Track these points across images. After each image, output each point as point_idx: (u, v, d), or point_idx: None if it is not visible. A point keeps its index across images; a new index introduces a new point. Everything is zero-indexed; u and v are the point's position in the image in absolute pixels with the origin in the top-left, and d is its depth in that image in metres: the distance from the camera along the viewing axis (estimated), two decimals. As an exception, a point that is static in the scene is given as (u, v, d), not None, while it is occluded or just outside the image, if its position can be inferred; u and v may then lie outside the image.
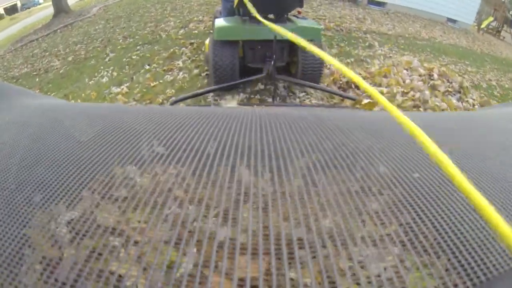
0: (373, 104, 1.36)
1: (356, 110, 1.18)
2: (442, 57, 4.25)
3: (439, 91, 1.96)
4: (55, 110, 0.55)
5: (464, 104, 1.89)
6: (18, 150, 0.39)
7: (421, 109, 1.82)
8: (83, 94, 3.19)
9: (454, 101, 1.91)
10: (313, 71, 2.53)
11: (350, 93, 2.43)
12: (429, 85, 2.00)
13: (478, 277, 0.23)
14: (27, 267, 0.24)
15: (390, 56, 3.69)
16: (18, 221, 0.28)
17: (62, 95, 3.30)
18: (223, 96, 3.04)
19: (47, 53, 5.45)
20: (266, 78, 2.89)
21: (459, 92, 1.98)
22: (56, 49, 5.58)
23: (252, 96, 3.05)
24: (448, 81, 2.05)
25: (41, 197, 0.31)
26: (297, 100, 2.88)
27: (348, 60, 3.74)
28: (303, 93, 2.92)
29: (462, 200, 0.30)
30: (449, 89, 2.04)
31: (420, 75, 2.06)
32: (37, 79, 4.05)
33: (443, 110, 1.81)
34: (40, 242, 0.26)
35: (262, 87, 3.13)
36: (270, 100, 2.90)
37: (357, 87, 2.37)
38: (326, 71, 2.99)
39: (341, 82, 2.53)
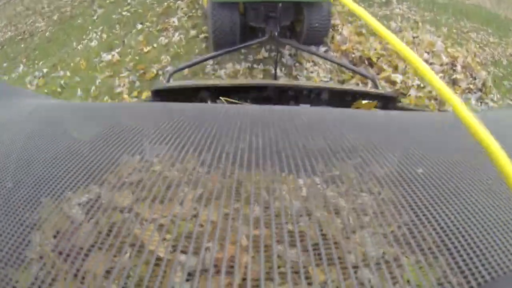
0: (371, 104, 1.24)
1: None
2: (464, 21, 3.81)
3: (459, 86, 1.74)
4: (54, 110, 0.55)
5: (482, 106, 1.69)
6: (28, 149, 0.39)
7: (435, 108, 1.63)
8: (72, 63, 2.97)
9: (473, 101, 1.69)
10: (319, 29, 2.31)
11: (362, 69, 2.21)
12: (451, 78, 1.77)
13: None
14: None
15: (409, 17, 3.29)
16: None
17: (51, 65, 3.08)
18: (223, 65, 2.82)
19: (30, 12, 5.03)
20: (270, 43, 2.64)
21: (480, 91, 1.74)
22: (40, 5, 5.13)
23: (255, 65, 2.83)
24: (471, 75, 1.78)
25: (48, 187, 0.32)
26: (304, 72, 2.66)
27: (362, 22, 3.37)
28: (311, 64, 2.68)
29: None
30: (471, 86, 1.79)
31: (441, 64, 1.80)
32: (22, 45, 3.77)
33: None
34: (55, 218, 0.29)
35: (266, 55, 2.88)
36: (272, 71, 2.71)
37: (370, 63, 2.13)
38: (337, 37, 2.70)
39: (353, 55, 2.28)
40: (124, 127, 0.45)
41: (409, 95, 1.67)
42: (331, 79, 2.50)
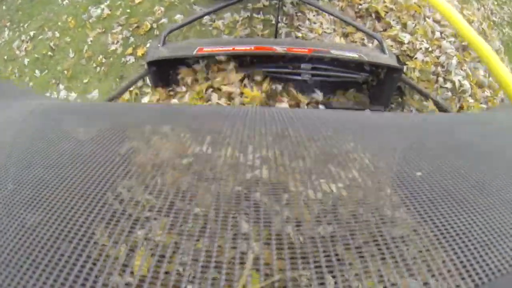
0: None
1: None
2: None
3: (470, 54, 1.62)
4: (54, 110, 0.55)
5: (490, 79, 1.59)
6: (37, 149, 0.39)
7: (439, 79, 1.54)
8: (59, 22, 2.73)
9: (481, 73, 1.59)
10: None
11: (368, 25, 2.06)
12: (461, 44, 1.63)
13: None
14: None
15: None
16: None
17: (37, 26, 2.83)
18: (221, 15, 2.63)
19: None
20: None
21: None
22: None
23: (254, 15, 2.64)
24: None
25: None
26: (307, 22, 2.49)
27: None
28: (313, 13, 2.50)
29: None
30: None
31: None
32: (4, 7, 3.41)
33: (461, 88, 1.53)
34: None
35: (266, 3, 2.67)
36: (273, 21, 2.56)
37: (378, 17, 1.98)
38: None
39: (360, 7, 2.11)
40: (125, 129, 0.44)
41: (415, 58, 1.58)
42: (334, 30, 2.35)
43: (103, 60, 2.27)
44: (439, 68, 1.56)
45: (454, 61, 1.58)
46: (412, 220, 0.30)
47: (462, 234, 0.28)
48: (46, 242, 0.27)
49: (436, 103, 1.24)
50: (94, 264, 0.25)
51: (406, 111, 1.61)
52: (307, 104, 1.51)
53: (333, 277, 0.25)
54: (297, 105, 1.51)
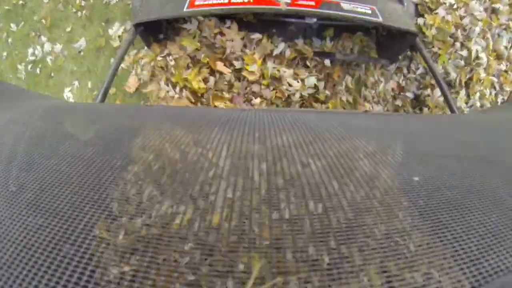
0: None
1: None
2: None
3: (498, 19, 1.42)
4: (55, 110, 0.57)
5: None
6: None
7: (456, 44, 1.37)
8: None
9: (504, 43, 1.41)
10: None
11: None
12: (491, 6, 1.44)
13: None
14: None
15: None
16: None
17: None
18: None
19: None
20: None
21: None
22: None
23: None
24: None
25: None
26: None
27: None
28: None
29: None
30: (510, 23, 1.45)
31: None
32: None
33: (476, 61, 1.37)
34: None
35: None
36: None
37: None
38: None
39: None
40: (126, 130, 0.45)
41: (436, 13, 1.41)
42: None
43: (82, 3, 1.95)
44: (459, 32, 1.40)
45: (478, 28, 1.42)
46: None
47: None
48: (48, 245, 0.27)
49: (439, 84, 1.12)
50: (96, 266, 0.25)
51: (414, 67, 1.49)
52: (314, 54, 1.39)
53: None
54: (303, 59, 1.40)
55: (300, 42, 1.43)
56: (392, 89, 1.48)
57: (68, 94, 1.96)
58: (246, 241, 0.28)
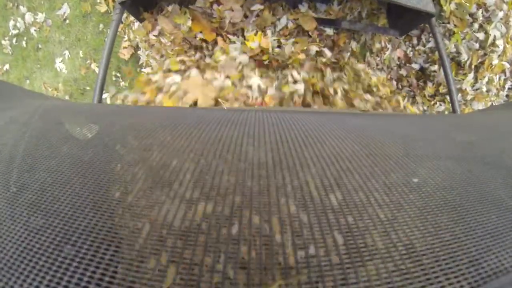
0: None
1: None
2: None
3: None
4: (56, 110, 0.57)
5: None
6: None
7: (474, 25, 1.28)
8: None
9: None
10: None
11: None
12: None
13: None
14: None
15: None
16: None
17: None
18: None
19: None
20: None
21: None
22: None
23: None
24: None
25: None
26: None
27: None
28: None
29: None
30: None
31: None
32: None
33: (491, 48, 1.28)
34: None
35: None
36: None
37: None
38: None
39: None
40: (127, 131, 0.45)
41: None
42: None
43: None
44: (480, 12, 1.32)
45: (501, 12, 1.34)
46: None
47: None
48: (49, 245, 0.27)
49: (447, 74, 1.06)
50: (97, 267, 0.25)
51: (424, 38, 1.41)
52: (318, 22, 1.31)
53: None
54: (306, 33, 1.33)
55: (304, 8, 1.35)
56: (398, 58, 1.42)
57: (60, 65, 1.86)
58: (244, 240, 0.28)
